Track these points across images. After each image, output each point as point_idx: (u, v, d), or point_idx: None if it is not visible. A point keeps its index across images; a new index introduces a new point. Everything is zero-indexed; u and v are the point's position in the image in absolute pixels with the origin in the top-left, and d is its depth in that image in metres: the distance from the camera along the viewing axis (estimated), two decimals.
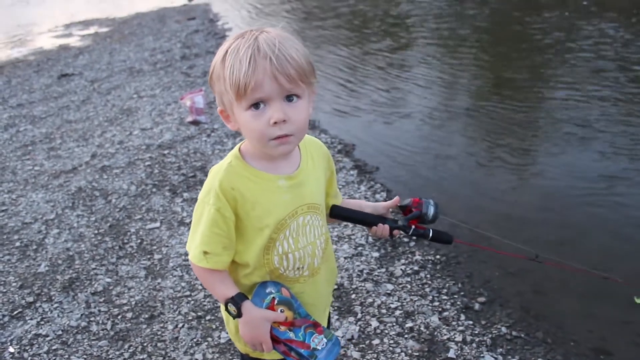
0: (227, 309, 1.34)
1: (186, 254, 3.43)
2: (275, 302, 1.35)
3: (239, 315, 1.32)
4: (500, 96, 5.99)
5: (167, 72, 7.35)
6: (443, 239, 1.66)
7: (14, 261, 3.62)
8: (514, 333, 2.63)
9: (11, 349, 2.82)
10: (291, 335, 1.31)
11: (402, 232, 1.60)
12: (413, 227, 1.60)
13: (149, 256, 3.48)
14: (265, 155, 1.32)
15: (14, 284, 3.37)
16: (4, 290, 3.32)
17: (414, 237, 1.69)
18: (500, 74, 6.78)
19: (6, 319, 3.06)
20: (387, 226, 1.57)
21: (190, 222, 3.65)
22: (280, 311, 1.34)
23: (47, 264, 3.53)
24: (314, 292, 1.48)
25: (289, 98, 1.21)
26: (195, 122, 5.37)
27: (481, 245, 2.09)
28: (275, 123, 1.20)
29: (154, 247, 3.56)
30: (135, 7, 12.94)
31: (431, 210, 1.59)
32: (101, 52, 8.88)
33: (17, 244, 3.82)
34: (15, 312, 3.10)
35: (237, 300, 1.32)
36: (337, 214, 1.60)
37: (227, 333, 2.72)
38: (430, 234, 1.62)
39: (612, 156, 4.41)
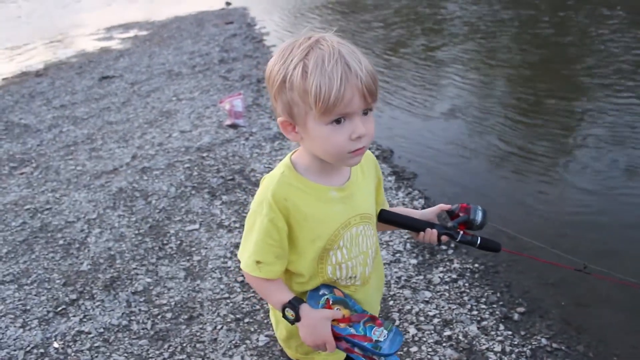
0: (284, 315, 1.35)
1: (225, 257, 3.49)
2: (330, 302, 1.36)
3: (297, 319, 1.32)
4: (538, 101, 5.91)
5: (206, 76, 7.44)
6: (491, 247, 1.64)
7: (57, 259, 3.71)
8: (554, 345, 2.60)
9: (55, 345, 2.89)
10: (352, 330, 1.31)
11: (449, 237, 1.59)
12: (461, 232, 1.58)
13: (188, 257, 3.53)
14: (318, 166, 1.34)
15: (57, 281, 3.46)
16: (49, 287, 3.41)
17: (461, 244, 1.66)
18: (539, 78, 6.68)
19: (51, 314, 3.14)
20: (435, 231, 1.56)
21: (229, 225, 3.72)
22: (337, 310, 1.35)
23: (89, 262, 3.60)
24: (364, 300, 1.49)
25: (364, 112, 1.23)
26: (233, 126, 5.43)
27: (528, 255, 2.06)
28: (357, 137, 1.22)
29: (193, 249, 3.61)
30: (174, 10, 13.13)
31: (479, 216, 1.57)
32: (141, 55, 9.03)
33: (61, 242, 3.91)
34: (59, 309, 3.18)
35: (294, 304, 1.33)
36: (385, 218, 1.60)
37: (265, 337, 2.75)
38: (479, 242, 1.61)
39: None
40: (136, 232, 3.89)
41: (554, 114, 5.56)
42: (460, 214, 1.59)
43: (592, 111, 5.52)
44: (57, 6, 16.58)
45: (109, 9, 15.08)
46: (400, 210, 1.65)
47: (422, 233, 1.57)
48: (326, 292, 1.38)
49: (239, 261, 1.44)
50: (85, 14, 14.77)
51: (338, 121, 1.20)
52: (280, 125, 1.31)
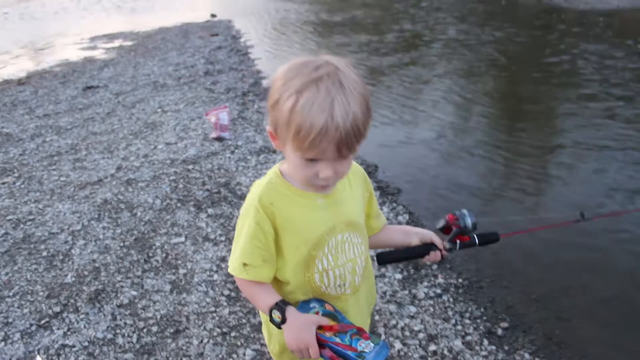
0: (271, 318, 1.36)
1: (211, 270, 3.50)
2: (320, 314, 1.38)
3: (283, 321, 1.33)
4: (521, 115, 6.07)
5: (191, 88, 7.45)
6: (491, 240, 1.69)
7: (41, 270, 3.68)
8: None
9: (38, 358, 2.86)
10: (337, 339, 1.31)
11: (451, 252, 1.64)
12: (458, 242, 1.62)
13: (173, 270, 3.52)
14: None
15: (41, 294, 3.43)
16: (32, 300, 3.38)
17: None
18: (522, 94, 6.84)
19: (34, 327, 3.11)
20: (437, 253, 1.61)
21: (215, 238, 3.72)
22: (324, 318, 1.37)
23: (73, 274, 3.58)
24: (356, 311, 1.52)
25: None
26: (219, 139, 5.44)
27: (525, 230, 2.12)
28: (323, 179, 1.27)
29: (179, 262, 3.61)
30: (158, 22, 13.12)
31: (469, 221, 1.61)
32: (126, 66, 9.01)
33: (44, 253, 3.88)
34: (43, 322, 3.15)
35: (281, 306, 1.35)
36: (385, 260, 1.65)
37: (252, 351, 2.76)
38: (477, 241, 1.65)
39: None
40: (121, 244, 3.87)
41: (537, 126, 5.74)
42: (453, 227, 1.63)
43: (569, 119, 5.71)
44: (40, 14, 16.46)
45: (93, 18, 15.02)
46: (397, 230, 1.69)
47: (426, 256, 1.61)
48: (317, 305, 1.41)
49: (226, 274, 1.47)
50: (68, 22, 14.69)
51: (309, 159, 1.23)
52: (267, 133, 1.35)
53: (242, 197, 4.37)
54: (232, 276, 3.22)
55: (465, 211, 1.64)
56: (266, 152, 5.19)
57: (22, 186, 5.10)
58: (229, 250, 3.65)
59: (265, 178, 1.42)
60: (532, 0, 12.56)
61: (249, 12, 13.95)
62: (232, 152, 5.20)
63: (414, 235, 1.65)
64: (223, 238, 3.83)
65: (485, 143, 5.47)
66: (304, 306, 1.40)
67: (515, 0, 12.94)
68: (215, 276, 3.42)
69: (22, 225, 4.31)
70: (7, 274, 3.69)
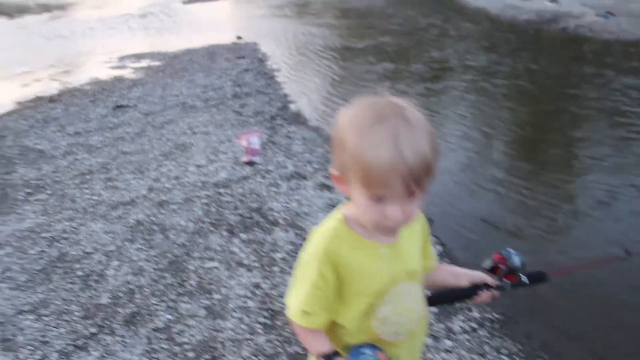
0: None
1: (245, 296, 3.51)
2: None
3: None
4: (552, 150, 6.06)
5: (220, 110, 7.53)
6: (541, 280, 1.70)
7: (76, 290, 3.73)
8: None
9: None
10: None
11: (501, 291, 1.64)
12: (509, 282, 1.63)
13: (208, 295, 3.55)
14: None
15: (77, 313, 3.47)
16: (68, 319, 3.42)
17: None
18: (554, 126, 6.84)
19: (70, 348, 3.15)
20: (488, 293, 1.62)
21: (249, 264, 3.74)
22: None
23: (108, 295, 3.62)
24: (409, 355, 1.53)
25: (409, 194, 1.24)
26: (250, 163, 5.49)
27: (573, 269, 2.12)
28: (390, 220, 1.26)
29: (213, 287, 3.63)
30: (185, 42, 13.30)
31: (517, 260, 1.63)
32: (154, 86, 9.14)
33: (79, 273, 3.93)
34: (79, 342, 3.18)
35: (331, 357, 1.37)
36: (437, 302, 1.66)
37: None
38: (527, 281, 1.65)
39: None
40: (155, 266, 3.91)
41: (569, 160, 5.74)
42: (500, 266, 1.64)
43: (603, 153, 5.68)
44: (67, 32, 16.78)
45: (120, 38, 15.26)
46: (449, 271, 1.70)
47: (476, 297, 1.62)
48: (369, 353, 1.39)
49: (260, 301, 1.48)
50: (95, 41, 14.94)
51: (377, 198, 1.23)
52: (332, 177, 1.35)
53: (275, 223, 4.40)
54: (267, 303, 3.27)
55: (511, 250, 1.65)
56: (297, 178, 5.23)
57: (55, 204, 5.18)
58: (263, 277, 3.70)
59: (329, 224, 1.42)
60: (556, 30, 12.58)
61: (273, 35, 14.09)
62: (263, 177, 5.24)
63: (464, 277, 1.66)
64: (257, 264, 3.85)
65: (514, 176, 5.45)
66: (354, 351, 1.39)
67: (540, 29, 12.97)
68: (250, 303, 3.43)
69: (56, 244, 4.37)
70: (43, 292, 3.74)
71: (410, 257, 1.48)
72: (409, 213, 1.28)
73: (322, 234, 1.41)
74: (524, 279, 1.66)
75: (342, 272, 1.37)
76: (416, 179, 1.20)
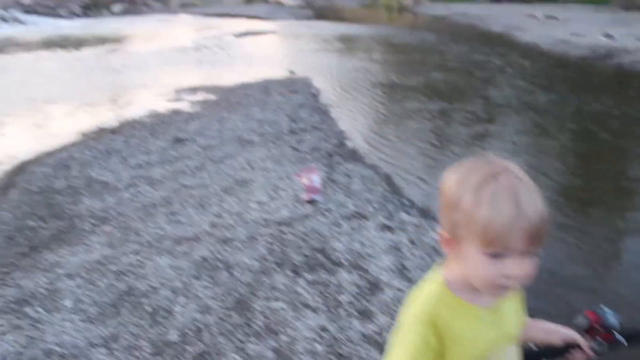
0: None
1: (313, 340, 3.51)
2: None
3: None
4: (623, 198, 5.93)
5: (276, 145, 7.64)
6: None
7: (145, 325, 3.79)
8: None
9: None
10: None
11: (598, 353, 1.60)
12: (605, 343, 1.59)
13: (275, 336, 3.56)
14: (470, 285, 1.38)
15: (147, 350, 3.52)
16: (139, 355, 3.48)
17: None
18: (623, 171, 6.70)
19: None
20: (583, 354, 1.58)
21: (315, 306, 3.73)
22: None
23: (177, 333, 3.67)
24: None
25: (526, 253, 1.25)
26: (311, 201, 5.54)
27: None
28: (509, 278, 1.25)
29: (280, 328, 3.64)
30: (239, 76, 13.60)
31: (614, 320, 1.58)
32: (211, 119, 9.34)
33: (147, 308, 4.00)
34: None
35: None
36: (528, 359, 1.63)
37: None
38: (626, 342, 1.59)
39: None
40: (221, 305, 3.96)
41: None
42: (595, 326, 1.60)
43: None
44: (122, 66, 17.37)
45: (175, 71, 15.71)
46: (537, 326, 1.67)
47: (568, 356, 1.59)
48: None
49: (328, 345, 1.49)
50: (151, 74, 15.41)
51: (495, 255, 1.23)
52: (439, 237, 1.35)
53: (338, 264, 4.42)
54: (334, 347, 3.26)
55: (606, 309, 1.61)
56: (358, 217, 5.25)
57: (121, 236, 5.31)
58: (329, 319, 3.71)
59: (430, 288, 1.42)
60: (612, 66, 12.43)
61: (324, 69, 14.31)
62: (325, 216, 5.28)
63: (556, 334, 1.64)
64: (322, 306, 3.86)
65: (583, 223, 5.35)
66: None
67: (594, 64, 12.83)
68: (318, 346, 3.43)
69: (124, 277, 4.47)
70: (113, 326, 3.82)
71: (510, 320, 1.47)
72: (528, 270, 1.27)
73: (424, 297, 1.41)
74: (621, 339, 1.61)
75: (445, 336, 1.35)
76: (536, 235, 1.21)
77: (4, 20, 36.61)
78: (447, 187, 1.31)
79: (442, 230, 1.34)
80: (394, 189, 6.15)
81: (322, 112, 9.63)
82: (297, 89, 11.45)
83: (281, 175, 6.45)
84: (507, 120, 9.03)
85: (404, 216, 5.36)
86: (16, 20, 37.41)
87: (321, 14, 33.15)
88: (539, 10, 24.24)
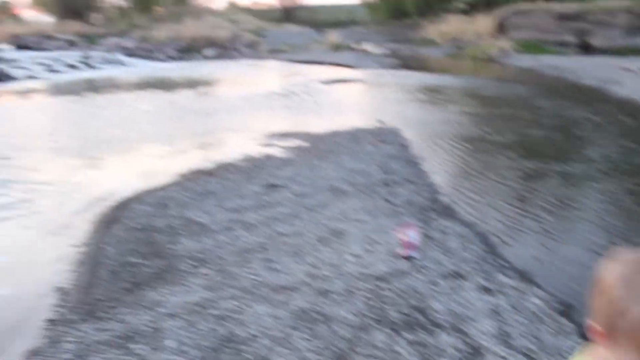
0: None
1: None
2: None
3: None
4: None
5: (369, 196, 7.67)
6: None
7: None
8: None
9: None
10: None
11: None
12: None
13: None
14: None
15: None
16: None
17: None
18: None
19: None
20: None
21: None
22: None
23: None
24: None
25: None
26: (408, 257, 5.50)
27: None
28: None
29: None
30: (328, 123, 13.85)
31: None
32: (303, 166, 9.52)
33: (248, 356, 4.05)
34: None
35: None
36: None
37: None
38: None
39: None
40: (321, 359, 3.95)
41: None
42: None
43: None
44: (213, 110, 18.06)
45: (265, 116, 16.20)
46: None
47: None
48: None
49: None
50: (242, 119, 15.94)
51: None
52: (589, 326, 1.32)
53: (438, 325, 4.34)
54: None
55: None
56: (456, 277, 5.16)
57: (219, 279, 5.44)
58: None
59: None
60: None
61: (412, 120, 14.35)
62: (422, 274, 5.22)
63: None
64: None
65: None
66: None
67: None
68: None
69: (224, 322, 4.56)
70: None
71: None
72: None
73: None
74: None
75: None
76: None
77: (108, 61, 39.12)
78: (609, 285, 1.27)
79: (594, 323, 1.31)
80: (491, 249, 6.01)
81: (413, 164, 9.61)
82: (386, 139, 11.50)
83: (375, 228, 6.45)
84: (610, 182, 8.66)
85: (502, 278, 5.22)
86: (118, 62, 39.88)
87: (406, 63, 33.35)
88: (634, 64, 23.39)
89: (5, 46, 40.66)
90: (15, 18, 66.32)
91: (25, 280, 6.32)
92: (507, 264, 5.60)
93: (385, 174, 8.80)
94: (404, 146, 11.03)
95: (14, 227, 7.89)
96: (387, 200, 7.46)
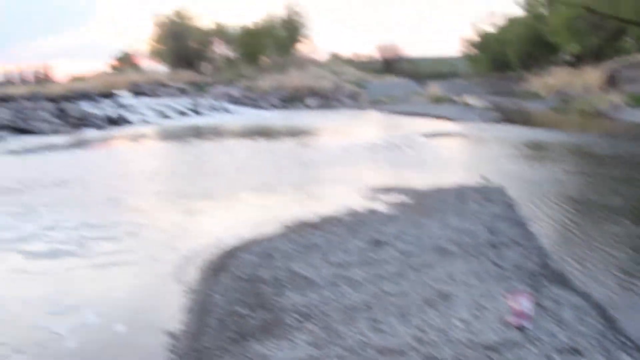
0: None
1: None
2: None
3: None
4: None
5: (476, 258, 7.50)
6: None
7: None
8: None
9: None
10: None
11: None
12: None
13: None
14: None
15: None
16: None
17: None
18: None
19: None
20: None
21: None
22: None
23: None
24: None
25: None
26: (520, 327, 5.31)
27: None
28: None
29: None
30: (432, 179, 13.77)
31: None
32: (407, 223, 9.47)
33: None
34: None
35: None
36: None
37: None
38: None
39: None
40: None
41: None
42: None
43: None
44: (310, 161, 18.46)
45: (367, 168, 16.35)
46: None
47: None
48: None
49: None
50: (344, 169, 16.17)
51: None
52: None
53: None
54: None
55: None
56: (572, 353, 4.91)
57: (324, 336, 5.48)
58: None
59: None
60: None
61: (518, 178, 13.97)
62: (535, 346, 5.01)
63: None
64: None
65: None
66: None
67: None
68: None
69: None
70: None
71: None
72: None
73: None
74: None
75: None
76: None
77: (215, 109, 41.28)
78: None
79: None
80: (610, 323, 5.67)
81: (521, 225, 9.33)
82: (492, 198, 11.25)
83: (484, 292, 6.29)
84: None
85: (626, 358, 4.90)
86: (224, 110, 41.95)
87: (509, 117, 32.75)
88: None
89: (125, 93, 44.01)
90: (135, 67, 71.72)
91: (138, 319, 6.66)
92: (630, 343, 5.26)
93: (491, 234, 8.59)
94: (509, 205, 10.75)
95: (122, 268, 8.40)
96: (494, 263, 7.26)
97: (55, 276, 8.21)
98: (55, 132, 30.02)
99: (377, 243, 8.40)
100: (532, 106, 39.44)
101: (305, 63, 59.94)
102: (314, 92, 47.53)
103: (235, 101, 45.26)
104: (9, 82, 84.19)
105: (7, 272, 8.51)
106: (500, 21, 75.00)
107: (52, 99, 37.32)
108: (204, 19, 71.09)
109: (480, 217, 9.71)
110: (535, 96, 44.11)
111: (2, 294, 7.54)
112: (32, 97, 38.97)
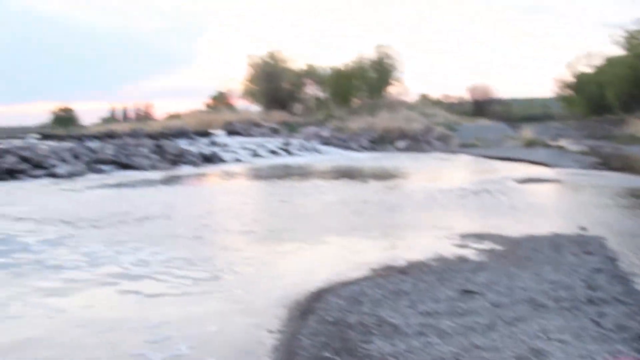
0: None
1: None
2: None
3: None
4: None
5: (573, 314, 7.14)
6: None
7: None
8: None
9: None
10: None
11: None
12: None
13: None
14: None
15: None
16: None
17: None
18: None
19: None
20: None
21: None
22: None
23: None
24: None
25: None
26: None
27: None
28: None
29: None
30: (525, 227, 13.31)
31: None
32: (498, 273, 9.17)
33: None
34: None
35: None
36: None
37: None
38: None
39: None
40: None
41: None
42: None
43: None
44: (402, 203, 18.31)
45: (456, 214, 16.05)
46: None
47: None
48: None
49: None
50: (432, 214, 15.96)
51: None
52: None
53: None
54: None
55: None
56: None
57: None
58: None
59: None
60: None
61: (620, 230, 13.21)
62: None
63: None
64: None
65: None
66: None
67: None
68: None
69: None
70: None
71: None
72: None
73: None
74: None
75: None
76: None
77: (305, 149, 42.10)
78: None
79: None
80: None
81: (623, 280, 8.79)
82: (591, 250, 10.71)
83: (582, 352, 5.95)
84: None
85: None
86: (314, 150, 42.68)
87: (608, 163, 31.26)
88: None
89: (219, 132, 45.85)
90: (230, 107, 74.73)
91: (227, 356, 6.78)
92: None
93: (590, 289, 8.15)
94: (611, 259, 10.18)
95: (212, 304, 8.60)
96: (594, 322, 6.87)
97: (150, 307, 8.53)
98: (154, 167, 31.58)
99: (467, 293, 8.18)
100: (634, 151, 37.49)
101: (395, 105, 60.13)
102: (403, 134, 47.46)
103: (326, 142, 45.93)
104: (113, 118, 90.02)
105: (106, 300, 8.94)
106: (598, 61, 72.27)
107: (152, 136, 39.52)
108: (297, 61, 72.98)
109: (578, 269, 9.25)
110: (637, 140, 41.94)
111: (103, 321, 7.90)
112: (134, 134, 41.48)
